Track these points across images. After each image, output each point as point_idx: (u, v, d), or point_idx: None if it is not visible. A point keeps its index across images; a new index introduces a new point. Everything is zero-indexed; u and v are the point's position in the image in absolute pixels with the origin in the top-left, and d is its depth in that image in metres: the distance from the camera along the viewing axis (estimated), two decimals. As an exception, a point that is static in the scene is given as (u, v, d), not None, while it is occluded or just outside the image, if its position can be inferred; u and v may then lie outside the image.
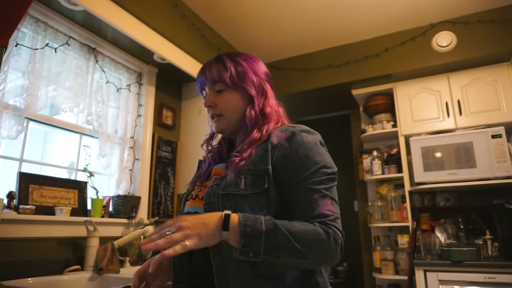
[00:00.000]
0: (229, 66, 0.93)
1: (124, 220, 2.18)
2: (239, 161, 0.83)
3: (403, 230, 2.77)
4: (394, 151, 2.93)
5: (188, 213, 0.87)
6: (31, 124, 1.89)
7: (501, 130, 2.45)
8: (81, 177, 2.10)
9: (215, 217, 0.71)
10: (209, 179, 0.94)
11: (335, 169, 0.85)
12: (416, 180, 2.64)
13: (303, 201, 0.79)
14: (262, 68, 0.98)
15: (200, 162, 1.05)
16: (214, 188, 0.84)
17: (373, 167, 2.94)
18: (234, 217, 0.71)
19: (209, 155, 1.01)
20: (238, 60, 0.95)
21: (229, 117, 0.94)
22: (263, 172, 0.81)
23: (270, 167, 0.81)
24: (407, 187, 2.75)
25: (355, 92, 3.16)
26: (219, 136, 1.03)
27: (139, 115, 2.55)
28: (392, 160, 2.90)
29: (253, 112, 0.91)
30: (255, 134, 0.88)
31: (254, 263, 0.73)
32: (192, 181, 0.98)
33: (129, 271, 1.95)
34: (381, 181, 3.06)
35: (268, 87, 0.97)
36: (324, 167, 0.82)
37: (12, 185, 1.73)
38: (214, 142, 1.04)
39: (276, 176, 0.82)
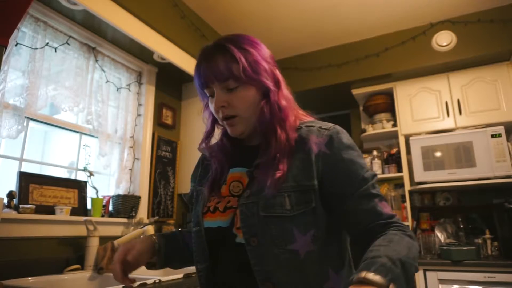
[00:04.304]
0: (238, 56, 0.77)
1: (124, 220, 2.18)
2: (280, 176, 0.73)
3: (403, 229, 2.77)
4: (394, 150, 2.93)
5: (209, 228, 0.79)
6: (31, 123, 1.89)
7: (500, 129, 2.45)
8: (81, 176, 2.10)
9: None
10: (224, 184, 0.83)
11: None
12: (416, 179, 2.64)
13: (367, 208, 0.73)
14: (267, 51, 0.84)
15: (201, 160, 0.94)
16: (251, 208, 0.73)
17: (373, 167, 2.94)
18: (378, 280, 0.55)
19: (212, 155, 0.88)
20: (245, 48, 0.79)
21: (246, 117, 0.80)
22: (308, 188, 0.74)
23: (316, 182, 0.74)
24: (407, 187, 2.75)
25: (355, 91, 3.16)
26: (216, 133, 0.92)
27: (139, 115, 2.55)
28: (392, 160, 2.90)
29: (269, 108, 0.79)
30: (281, 135, 0.77)
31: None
32: (206, 185, 0.85)
33: (129, 270, 1.95)
34: (381, 181, 3.05)
35: (279, 74, 0.85)
36: (368, 169, 0.77)
37: (12, 185, 1.73)
38: (213, 142, 0.91)
39: (325, 189, 0.75)
